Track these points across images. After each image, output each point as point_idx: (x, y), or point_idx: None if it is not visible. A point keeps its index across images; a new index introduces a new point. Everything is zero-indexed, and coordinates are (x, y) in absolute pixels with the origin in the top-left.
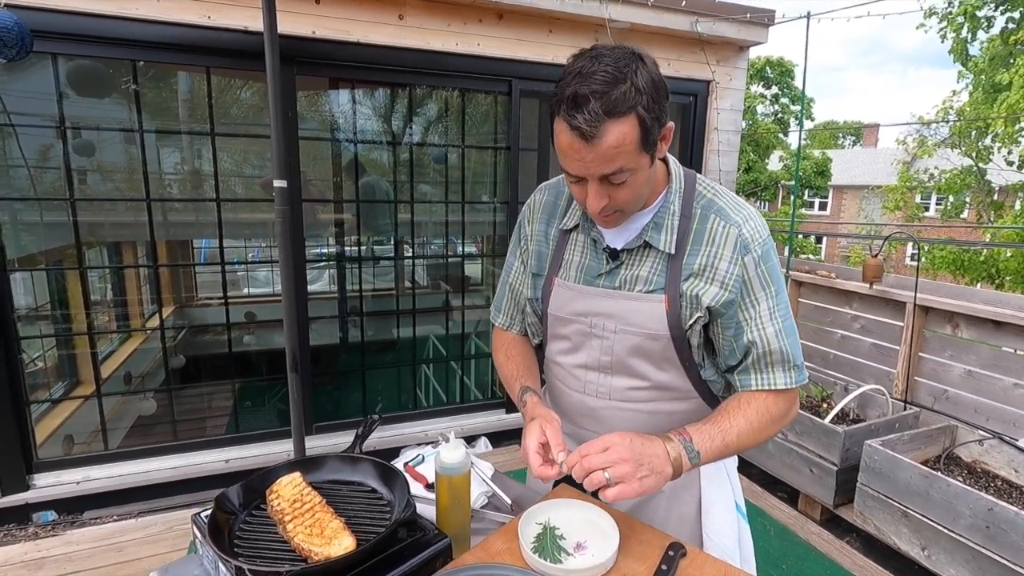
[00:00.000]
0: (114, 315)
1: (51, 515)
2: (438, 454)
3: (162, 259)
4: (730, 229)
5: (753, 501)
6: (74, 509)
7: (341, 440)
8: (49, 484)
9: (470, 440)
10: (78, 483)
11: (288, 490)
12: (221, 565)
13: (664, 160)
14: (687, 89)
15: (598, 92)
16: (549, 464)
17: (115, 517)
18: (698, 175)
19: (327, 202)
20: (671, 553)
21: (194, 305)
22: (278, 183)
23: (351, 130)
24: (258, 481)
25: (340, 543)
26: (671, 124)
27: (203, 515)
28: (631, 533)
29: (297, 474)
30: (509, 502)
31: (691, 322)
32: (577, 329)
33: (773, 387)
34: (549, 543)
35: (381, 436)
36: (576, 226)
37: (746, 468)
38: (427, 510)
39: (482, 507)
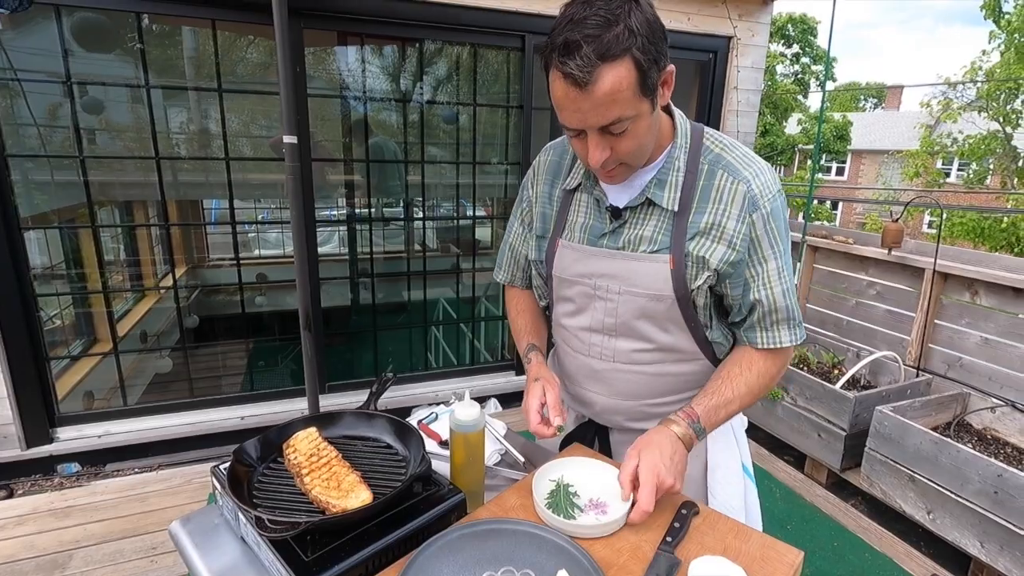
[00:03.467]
0: (128, 275)
1: (75, 467)
2: (453, 412)
3: (173, 220)
4: (738, 186)
5: (760, 464)
6: (97, 461)
7: (353, 399)
8: (71, 437)
9: (480, 401)
10: (99, 437)
11: (304, 444)
12: (240, 515)
13: (669, 113)
14: (707, 46)
15: (590, 36)
16: (545, 424)
17: (136, 469)
18: (706, 128)
19: (336, 161)
20: (684, 512)
21: (206, 266)
22: (288, 139)
23: (360, 89)
24: (275, 435)
25: (357, 496)
26: (672, 67)
27: (222, 467)
28: None
29: (313, 429)
30: (522, 460)
31: (698, 283)
32: (581, 291)
33: (779, 345)
34: (563, 499)
35: (392, 396)
36: (579, 185)
37: (753, 432)
38: (441, 467)
39: (495, 464)
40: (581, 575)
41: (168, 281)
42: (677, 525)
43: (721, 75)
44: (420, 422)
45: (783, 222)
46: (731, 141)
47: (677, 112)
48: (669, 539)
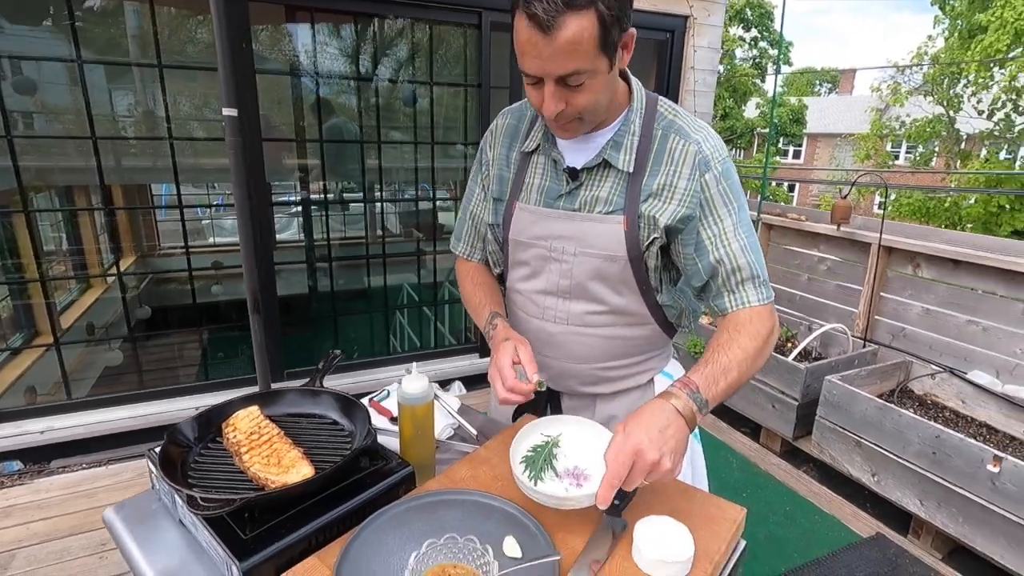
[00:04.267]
0: (71, 265)
1: (16, 464)
2: (400, 385)
3: (118, 207)
4: (689, 146)
5: (718, 436)
6: (40, 458)
7: None
8: (12, 434)
9: (445, 384)
10: (42, 432)
11: (245, 423)
12: (177, 497)
13: (627, 80)
14: (664, 25)
15: None
16: (519, 384)
17: (84, 465)
18: (660, 97)
19: (289, 141)
20: None
21: (156, 255)
22: (228, 111)
23: (314, 69)
24: (213, 414)
25: (298, 471)
26: (633, 31)
27: (157, 450)
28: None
29: (255, 407)
30: (475, 433)
31: (648, 243)
32: (537, 254)
33: (747, 305)
34: (541, 458)
35: (356, 380)
36: (537, 147)
37: None
38: (393, 443)
39: (448, 439)
40: (528, 540)
41: (115, 271)
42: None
43: (678, 55)
44: (371, 399)
45: (735, 182)
46: (681, 109)
47: (634, 80)
48: (617, 502)
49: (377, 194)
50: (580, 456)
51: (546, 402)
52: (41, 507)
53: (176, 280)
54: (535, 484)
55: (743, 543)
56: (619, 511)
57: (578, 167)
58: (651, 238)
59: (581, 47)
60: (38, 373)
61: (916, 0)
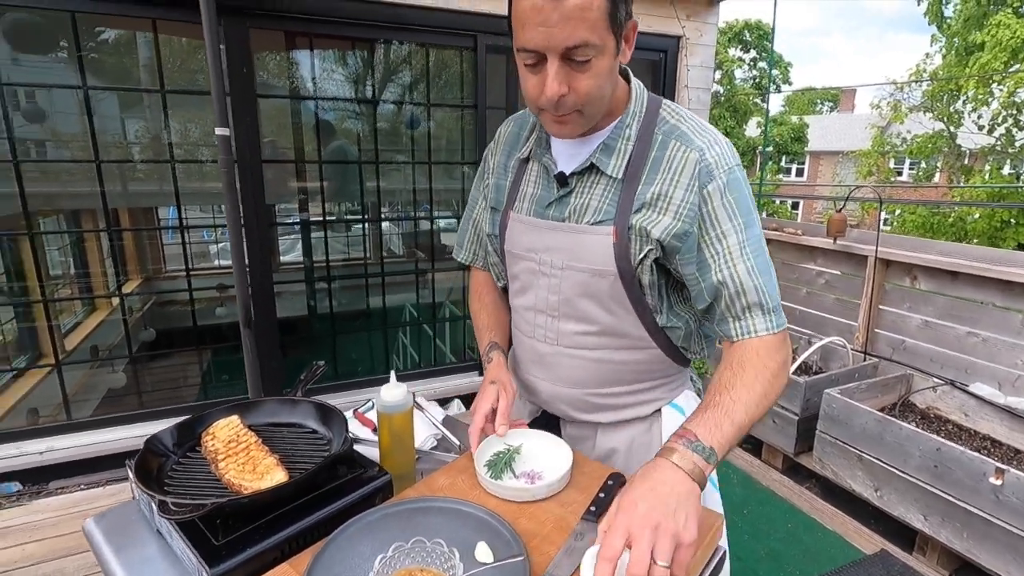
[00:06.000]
0: (77, 288)
1: (15, 486)
2: (379, 394)
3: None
4: (690, 154)
5: None
6: (39, 479)
7: None
8: (11, 455)
9: (444, 403)
10: (42, 453)
11: (224, 432)
12: (153, 505)
13: (627, 80)
14: (657, 45)
15: None
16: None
17: (82, 486)
18: (665, 100)
19: (287, 162)
20: (610, 482)
21: (162, 277)
22: (220, 131)
23: (315, 92)
24: (193, 423)
25: (272, 478)
26: (636, 21)
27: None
28: (578, 467)
29: (235, 417)
30: (458, 443)
31: (640, 257)
32: (527, 267)
33: (754, 334)
34: (503, 462)
35: (354, 400)
36: (531, 154)
37: None
38: (375, 454)
39: (431, 449)
40: (501, 545)
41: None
42: (602, 495)
43: (672, 74)
44: (355, 411)
45: (744, 195)
46: (689, 113)
47: (636, 81)
48: (593, 508)
49: (381, 216)
50: (537, 461)
51: (544, 427)
52: (37, 528)
53: (181, 302)
54: (495, 481)
55: (723, 549)
56: (595, 516)
57: (568, 172)
58: (644, 252)
59: (591, 14)
60: (41, 395)
61: (911, 20)
